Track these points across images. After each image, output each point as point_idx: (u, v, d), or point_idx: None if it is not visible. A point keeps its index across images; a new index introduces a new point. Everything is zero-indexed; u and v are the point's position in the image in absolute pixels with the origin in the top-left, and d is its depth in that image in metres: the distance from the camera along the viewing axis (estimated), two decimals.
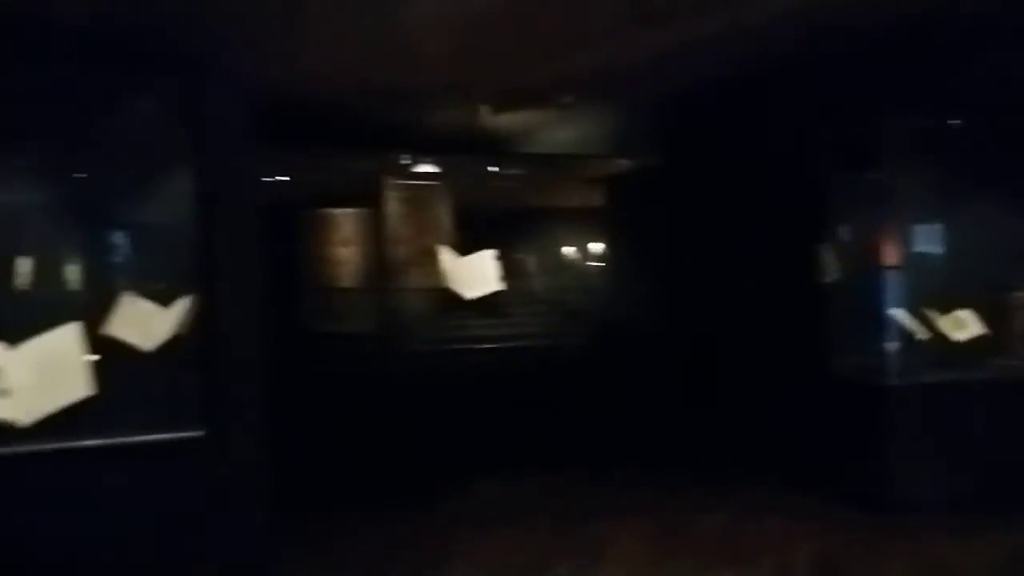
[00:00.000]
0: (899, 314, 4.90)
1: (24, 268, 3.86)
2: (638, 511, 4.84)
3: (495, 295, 6.46)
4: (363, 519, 4.83)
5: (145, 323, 3.89)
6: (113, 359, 3.76)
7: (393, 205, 6.72)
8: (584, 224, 8.83)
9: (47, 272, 3.95)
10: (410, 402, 5.68)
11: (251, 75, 3.83)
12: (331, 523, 4.74)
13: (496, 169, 7.25)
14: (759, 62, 4.96)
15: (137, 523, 3.64)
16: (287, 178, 6.64)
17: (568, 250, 9.69)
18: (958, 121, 4.91)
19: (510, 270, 6.76)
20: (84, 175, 4.13)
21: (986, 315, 5.06)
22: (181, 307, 3.90)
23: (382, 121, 6.11)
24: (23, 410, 3.59)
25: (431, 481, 5.44)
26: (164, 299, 3.95)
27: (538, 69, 5.08)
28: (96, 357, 3.74)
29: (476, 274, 6.46)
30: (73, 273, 4.05)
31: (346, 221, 7.07)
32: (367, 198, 6.84)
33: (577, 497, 5.25)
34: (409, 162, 6.66)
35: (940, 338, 4.97)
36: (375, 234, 6.84)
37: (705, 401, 6.04)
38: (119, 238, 4.25)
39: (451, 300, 6.36)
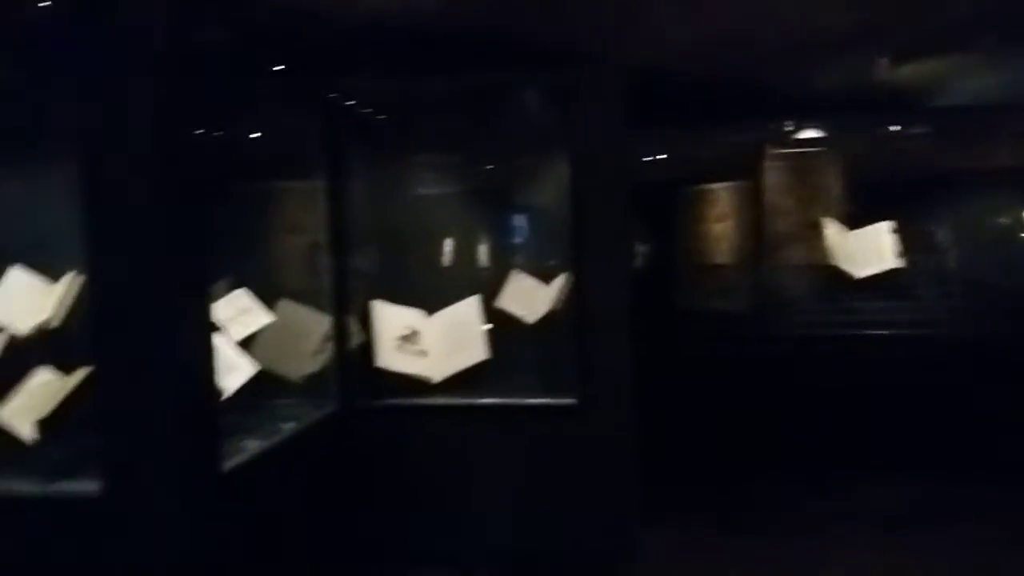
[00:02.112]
0: None
1: (443, 248, 4.52)
2: None
3: (892, 273, 5.68)
4: (726, 511, 4.69)
5: (529, 298, 4.27)
6: (503, 329, 4.21)
7: (773, 176, 6.31)
8: (1012, 188, 7.27)
9: (459, 251, 4.56)
10: (786, 390, 5.31)
11: (624, 56, 3.89)
12: (692, 508, 4.69)
13: (897, 128, 6.35)
14: None
15: (515, 475, 4.00)
16: (663, 156, 6.67)
17: (991, 219, 8.10)
18: None
19: (913, 244, 5.88)
20: (491, 167, 4.67)
21: None
22: (559, 283, 4.19)
23: (762, 88, 5.74)
24: (435, 369, 4.21)
25: (803, 478, 5.04)
26: (547, 276, 4.30)
27: (953, 5, 4.28)
28: (490, 326, 4.22)
29: (869, 249, 5.73)
30: (478, 252, 4.62)
31: (722, 195, 6.85)
32: (745, 170, 6.53)
33: (990, 514, 4.41)
34: (792, 129, 6.18)
35: None
36: (753, 208, 6.51)
37: None
38: (516, 221, 4.72)
39: (838, 279, 5.75)
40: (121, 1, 2.54)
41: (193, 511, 2.67)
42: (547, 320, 4.20)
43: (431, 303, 4.28)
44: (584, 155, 3.85)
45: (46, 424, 2.82)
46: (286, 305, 3.96)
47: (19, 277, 3.15)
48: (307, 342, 4.05)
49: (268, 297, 3.85)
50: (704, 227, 6.64)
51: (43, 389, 2.86)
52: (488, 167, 4.66)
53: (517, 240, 4.78)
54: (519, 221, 4.78)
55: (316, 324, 4.07)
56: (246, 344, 3.60)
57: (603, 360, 3.78)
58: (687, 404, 5.34)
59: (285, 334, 3.86)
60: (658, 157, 6.64)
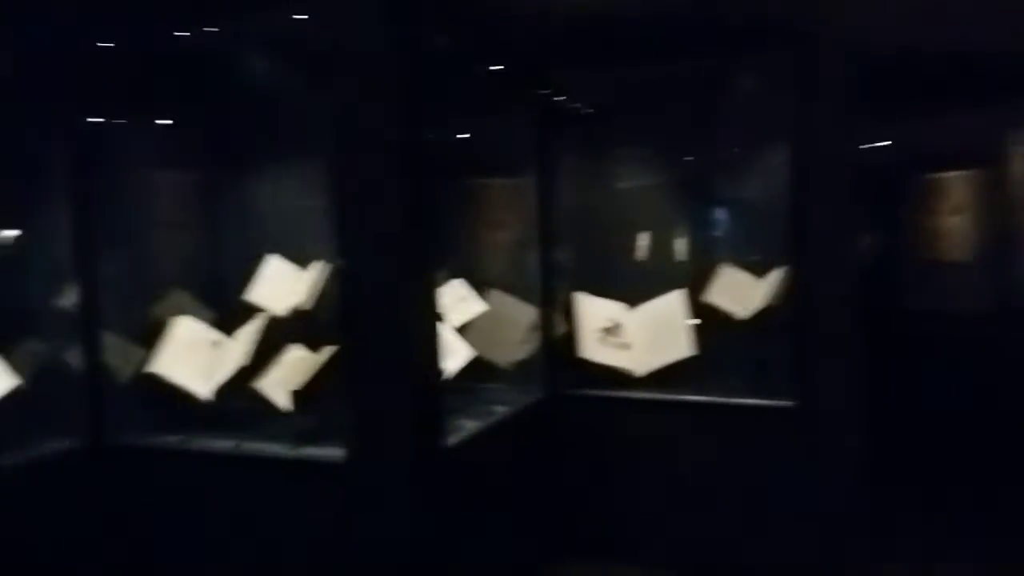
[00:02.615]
0: None
1: (643, 242, 4.49)
2: None
3: None
4: (961, 523, 4.27)
5: (741, 292, 4.12)
6: (711, 325, 4.10)
7: (1021, 164, 5.61)
8: None
9: (663, 244, 4.51)
10: None
11: (847, 34, 3.61)
12: (924, 523, 4.32)
13: None
14: None
15: (719, 476, 3.89)
16: (890, 142, 6.14)
17: None
18: None
19: None
20: (692, 158, 4.57)
21: None
22: (774, 278, 4.00)
23: (1008, 65, 5.12)
24: (639, 362, 4.20)
25: None
26: (759, 270, 4.13)
27: None
28: (696, 322, 4.13)
29: None
30: (680, 246, 4.54)
31: (957, 185, 6.19)
32: (985, 158, 5.85)
33: None
34: None
35: None
36: (994, 199, 5.82)
37: None
38: (721, 213, 4.59)
39: None
40: (364, 10, 2.78)
41: (422, 481, 2.88)
42: (760, 316, 4.03)
43: (635, 296, 4.27)
44: (806, 141, 3.64)
45: (298, 395, 3.17)
46: (496, 295, 4.13)
47: (276, 265, 3.55)
48: (515, 331, 4.20)
49: (478, 288, 4.04)
50: (935, 220, 6.05)
51: (296, 364, 3.21)
52: (695, 157, 4.54)
53: (724, 233, 4.63)
54: (726, 213, 4.63)
55: (523, 314, 4.21)
56: (461, 331, 3.81)
57: (824, 360, 3.56)
58: (917, 410, 4.91)
59: (495, 323, 4.03)
60: (880, 144, 6.13)
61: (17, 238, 3.31)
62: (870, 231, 6.04)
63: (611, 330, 4.29)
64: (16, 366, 3.11)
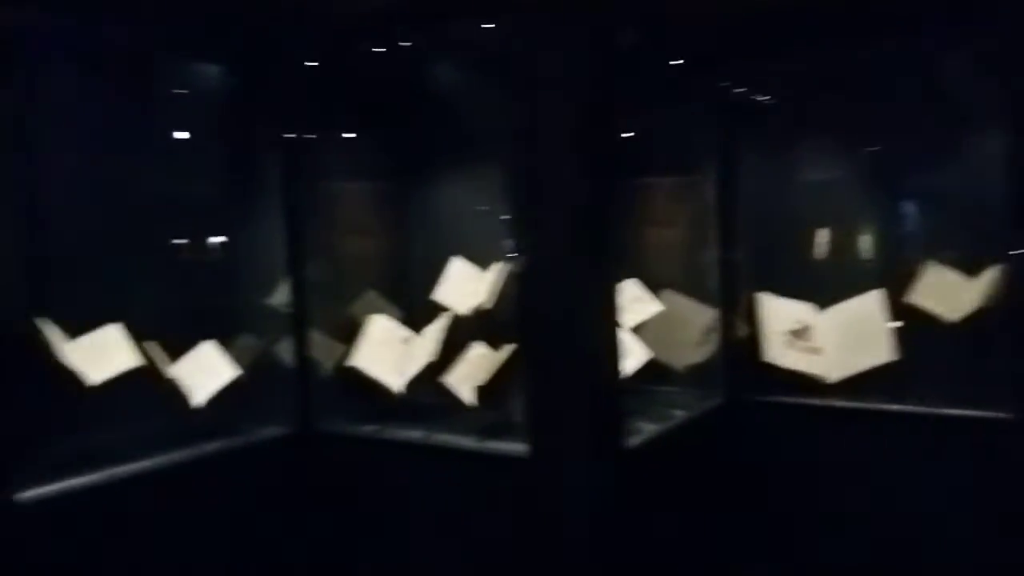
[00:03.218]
0: None
1: (822, 239, 4.22)
2: None
3: None
4: None
5: (950, 293, 3.75)
6: (915, 328, 3.76)
7: None
8: None
9: (855, 241, 4.21)
10: None
11: None
12: None
13: None
14: None
15: (920, 495, 3.58)
16: None
17: None
18: None
19: None
20: (884, 148, 4.22)
21: None
22: (989, 277, 3.61)
23: None
24: (831, 367, 3.93)
25: None
26: (971, 269, 3.74)
27: None
28: (898, 324, 3.81)
29: None
30: (875, 242, 4.22)
31: None
32: None
33: None
34: None
35: None
36: None
37: None
38: (922, 206, 4.20)
39: None
40: (550, 14, 2.83)
41: (604, 479, 2.89)
42: (972, 319, 3.64)
43: (825, 297, 4.02)
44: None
45: (482, 390, 3.29)
46: (670, 296, 4.05)
47: (459, 266, 3.71)
48: (691, 332, 4.10)
49: (653, 289, 3.98)
50: None
51: (479, 361, 3.34)
52: (890, 147, 4.19)
53: (928, 228, 4.23)
54: (929, 207, 4.22)
55: (699, 315, 4.10)
56: (636, 332, 3.77)
57: None
58: None
59: (670, 324, 3.95)
60: None
61: (226, 244, 3.68)
62: None
63: (799, 332, 4.06)
64: (235, 358, 3.46)
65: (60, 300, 3.08)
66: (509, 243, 3.15)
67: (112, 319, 3.17)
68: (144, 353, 3.22)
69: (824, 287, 4.04)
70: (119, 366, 3.12)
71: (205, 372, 3.39)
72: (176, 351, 3.35)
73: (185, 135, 3.52)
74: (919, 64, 3.88)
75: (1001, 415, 3.37)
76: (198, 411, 3.32)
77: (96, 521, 2.87)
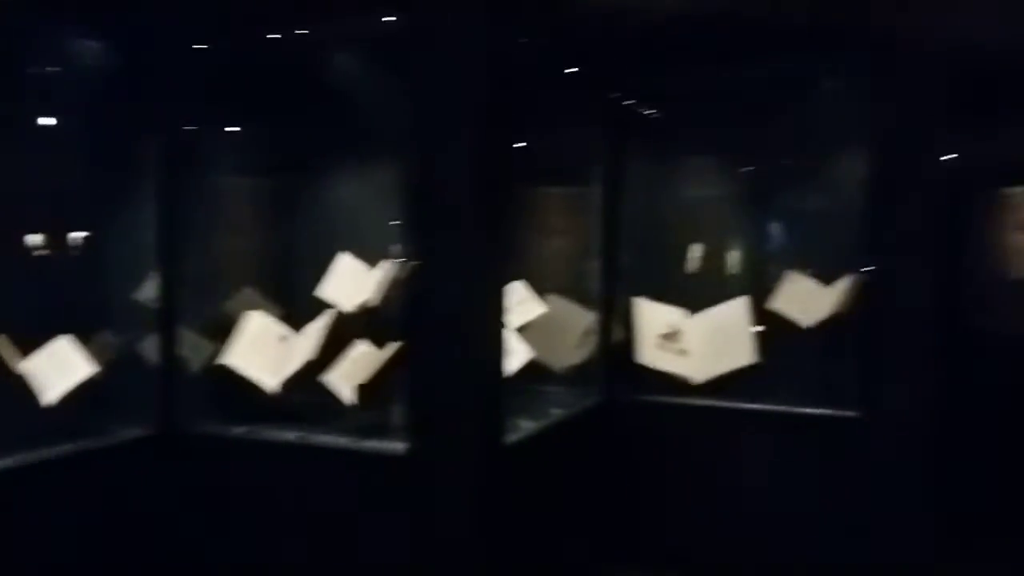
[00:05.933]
0: None
1: (695, 254, 4.46)
2: None
3: None
4: None
5: (807, 300, 4.05)
6: (775, 333, 4.03)
7: None
8: None
9: (725, 252, 4.47)
10: None
11: (941, 41, 3.50)
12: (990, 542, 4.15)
13: None
14: None
15: (778, 486, 3.82)
16: (959, 154, 5.92)
17: None
18: None
19: None
20: (760, 166, 4.49)
21: None
22: (842, 286, 3.93)
23: None
24: (698, 369, 4.15)
25: None
26: (826, 278, 4.05)
27: None
28: (760, 329, 4.07)
29: None
30: (745, 253, 4.49)
31: None
32: None
33: None
34: None
35: None
36: None
37: None
38: (788, 221, 4.51)
39: None
40: (452, 16, 2.84)
41: (481, 476, 2.91)
42: (825, 325, 3.95)
43: (697, 304, 4.24)
44: (888, 149, 3.57)
45: (363, 389, 3.23)
46: (554, 299, 4.14)
47: (347, 262, 3.64)
48: (571, 334, 4.20)
49: (538, 291, 4.06)
50: (1007, 235, 5.82)
51: (362, 359, 3.28)
52: (764, 165, 4.48)
53: (791, 241, 4.55)
54: (794, 221, 4.55)
55: (580, 318, 4.22)
56: (520, 332, 3.83)
57: (894, 371, 3.48)
58: (985, 423, 4.73)
59: (552, 326, 4.04)
60: (950, 156, 5.91)
61: (92, 236, 3.45)
62: (947, 242, 5.82)
63: (670, 336, 4.26)
64: (93, 355, 3.23)
65: None
66: (399, 241, 3.12)
67: None
68: None
69: (697, 294, 4.26)
70: None
71: (59, 369, 3.15)
72: (30, 347, 3.10)
73: (52, 120, 3.26)
74: (791, 88, 4.16)
75: (849, 413, 3.67)
76: (51, 410, 3.07)
77: None
